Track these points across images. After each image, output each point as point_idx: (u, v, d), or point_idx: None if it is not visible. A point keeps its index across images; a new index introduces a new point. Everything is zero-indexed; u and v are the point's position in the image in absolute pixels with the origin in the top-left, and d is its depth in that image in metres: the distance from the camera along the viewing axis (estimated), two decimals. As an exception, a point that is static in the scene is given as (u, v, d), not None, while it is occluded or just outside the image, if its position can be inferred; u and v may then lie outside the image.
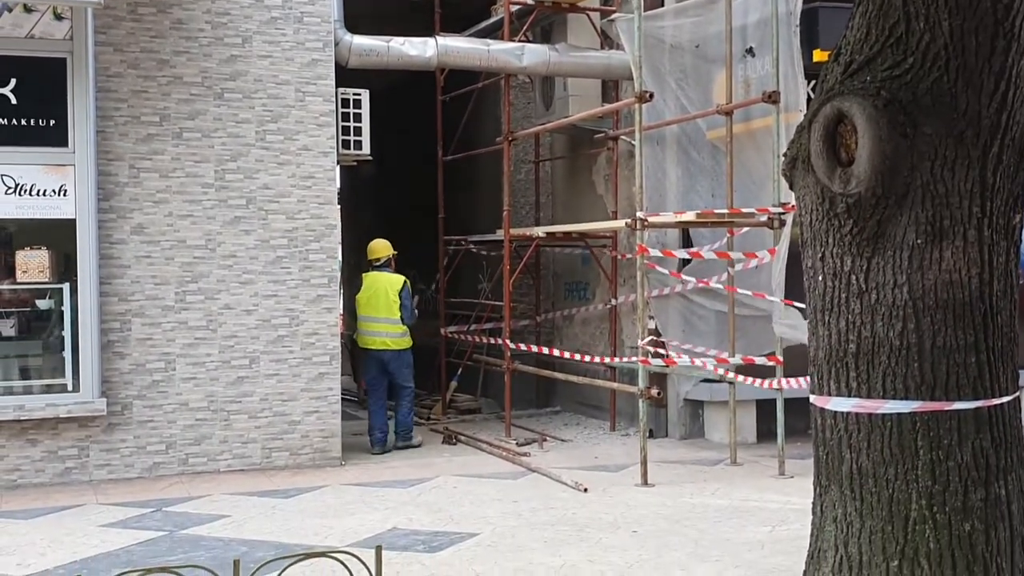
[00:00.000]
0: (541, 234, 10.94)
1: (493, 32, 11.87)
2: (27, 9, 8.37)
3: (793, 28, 8.48)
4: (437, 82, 12.60)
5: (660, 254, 8.90)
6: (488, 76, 12.07)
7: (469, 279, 13.84)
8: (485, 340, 12.35)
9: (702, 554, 6.39)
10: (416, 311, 10.67)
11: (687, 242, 10.32)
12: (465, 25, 12.39)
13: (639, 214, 8.52)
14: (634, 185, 11.27)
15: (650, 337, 9.10)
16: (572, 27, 11.38)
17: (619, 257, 11.25)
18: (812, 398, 4.14)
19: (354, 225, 17.25)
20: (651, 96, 8.59)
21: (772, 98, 8.45)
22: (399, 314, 10.36)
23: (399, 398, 10.45)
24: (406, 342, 10.47)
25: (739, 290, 9.19)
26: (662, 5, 10.59)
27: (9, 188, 8.37)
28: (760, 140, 9.27)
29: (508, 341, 10.90)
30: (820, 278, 4.01)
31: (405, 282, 10.50)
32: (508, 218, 10.98)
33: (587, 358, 10.74)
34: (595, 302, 12.13)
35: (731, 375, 9.11)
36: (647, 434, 8.65)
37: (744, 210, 8.54)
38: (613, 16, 11.06)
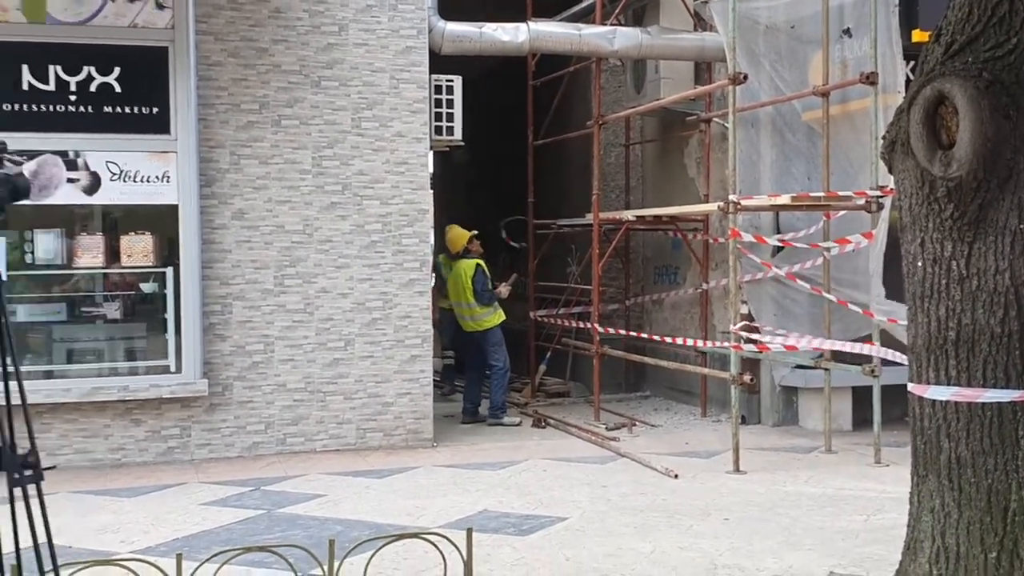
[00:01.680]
0: (631, 217, 10.91)
1: (584, 17, 11.83)
2: None
3: (892, 8, 8.32)
4: (528, 67, 12.61)
5: (752, 239, 8.79)
6: (579, 60, 12.04)
7: (558, 263, 13.85)
8: (574, 324, 12.38)
9: (795, 542, 6.34)
10: (495, 290, 10.94)
11: (778, 227, 10.19)
12: (557, 11, 12.37)
13: (732, 197, 8.44)
14: (727, 168, 11.22)
15: (743, 322, 9.04)
16: (665, 10, 11.31)
17: (711, 241, 11.16)
18: (910, 386, 4.09)
19: (445, 209, 17.37)
20: (745, 78, 8.49)
21: (870, 79, 8.29)
22: (474, 299, 10.76)
23: (490, 376, 10.84)
24: (490, 321, 10.86)
25: (834, 275, 9.07)
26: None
27: (114, 175, 8.63)
28: (858, 122, 9.11)
29: (597, 325, 10.89)
30: (919, 264, 3.95)
31: (477, 266, 10.86)
32: (597, 202, 10.97)
33: (678, 341, 10.69)
34: (685, 286, 12.06)
35: (826, 361, 8.99)
36: (739, 421, 8.59)
37: (841, 193, 8.39)
38: (706, -2, 10.98)
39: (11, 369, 3.54)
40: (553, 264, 13.63)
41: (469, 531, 4.84)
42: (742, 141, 10.48)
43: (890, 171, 4.13)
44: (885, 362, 8.63)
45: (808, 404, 10.33)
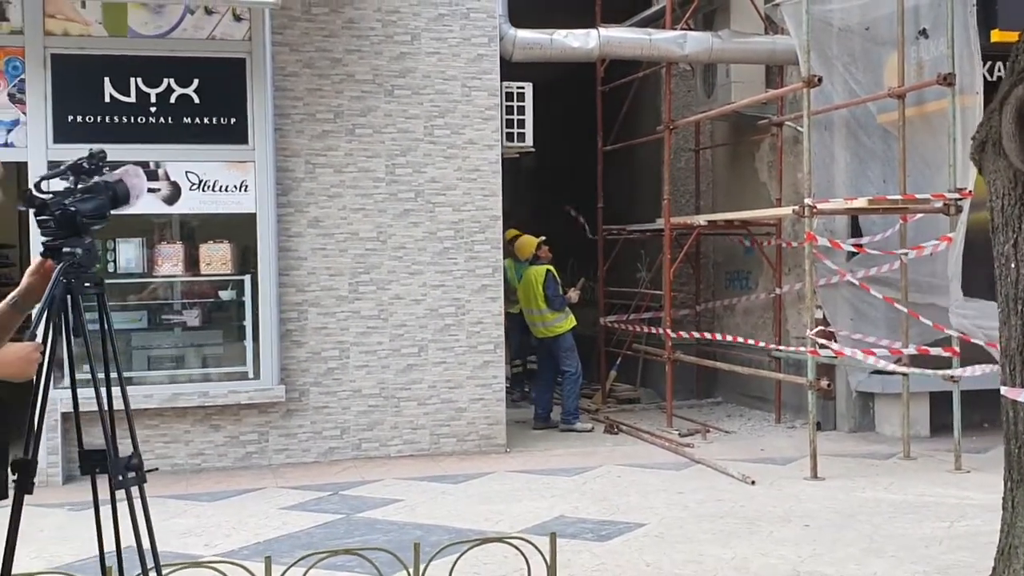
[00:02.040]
0: (702, 222, 10.86)
1: (653, 22, 11.81)
2: (208, 11, 8.75)
3: (969, 8, 8.20)
4: (597, 73, 12.61)
5: (828, 243, 8.70)
6: (648, 66, 12.02)
7: (628, 268, 13.82)
8: (644, 329, 12.34)
9: (877, 549, 6.26)
10: (567, 295, 10.91)
11: (857, 229, 10.08)
12: (625, 17, 12.36)
13: (807, 201, 8.37)
14: (799, 171, 11.12)
15: (819, 327, 8.96)
16: (735, 13, 11.25)
17: (784, 245, 11.07)
18: (1003, 390, 4.03)
19: (515, 214, 17.41)
20: (819, 80, 8.43)
21: (947, 80, 8.18)
22: (545, 304, 10.72)
23: (563, 382, 10.82)
24: (562, 327, 10.84)
25: (912, 278, 8.96)
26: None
27: (193, 184, 8.78)
28: (935, 124, 8.98)
29: (669, 330, 10.86)
30: (1012, 265, 3.89)
31: (548, 271, 10.86)
32: (668, 207, 10.95)
33: (751, 342, 10.61)
34: (758, 291, 11.97)
35: (904, 366, 8.87)
36: (816, 426, 8.50)
37: (919, 196, 8.27)
38: (778, 1, 10.90)
39: (114, 374, 3.63)
40: (622, 269, 13.60)
41: (553, 536, 4.86)
42: (816, 144, 10.37)
43: (980, 172, 4.07)
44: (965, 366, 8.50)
45: (885, 409, 10.19)
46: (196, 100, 8.80)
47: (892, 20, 9.20)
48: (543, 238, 11.24)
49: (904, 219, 8.96)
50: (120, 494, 3.60)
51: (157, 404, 8.62)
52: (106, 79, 8.61)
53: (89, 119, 8.58)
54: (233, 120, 8.88)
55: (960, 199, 8.18)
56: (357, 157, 9.24)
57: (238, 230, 9.02)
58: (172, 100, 8.75)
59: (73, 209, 3.42)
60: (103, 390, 3.62)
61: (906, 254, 8.86)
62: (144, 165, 8.68)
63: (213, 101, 8.84)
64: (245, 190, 8.88)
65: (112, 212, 3.60)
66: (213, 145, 8.83)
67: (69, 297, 3.42)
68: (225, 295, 9.16)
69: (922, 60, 9.00)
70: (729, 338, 10.70)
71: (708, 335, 11.38)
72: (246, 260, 9.09)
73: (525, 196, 18.12)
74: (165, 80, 8.72)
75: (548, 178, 16.74)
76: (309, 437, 9.15)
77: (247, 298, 9.02)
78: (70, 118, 8.55)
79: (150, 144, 8.69)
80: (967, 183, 8.26)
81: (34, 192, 3.45)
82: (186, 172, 8.76)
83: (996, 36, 8.65)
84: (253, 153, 8.89)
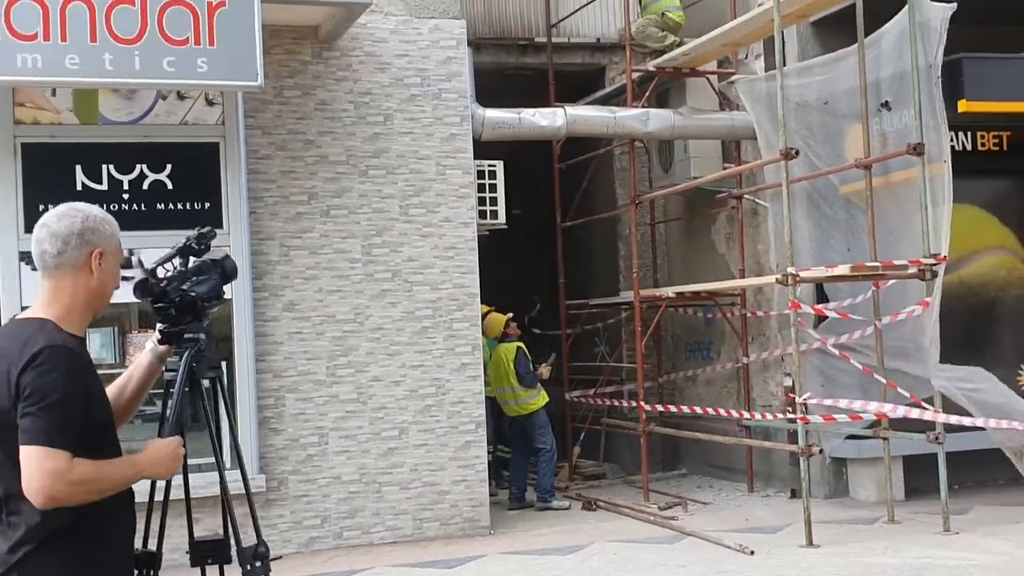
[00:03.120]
0: (671, 294, 10.95)
1: (609, 101, 12.02)
2: (180, 96, 8.65)
3: (934, 80, 8.48)
4: (554, 150, 12.74)
5: (811, 311, 8.84)
6: (604, 144, 12.19)
7: (587, 343, 13.84)
8: (606, 403, 12.36)
9: (897, 614, 6.27)
10: (539, 371, 10.86)
11: (823, 296, 10.25)
12: (578, 97, 12.55)
13: (790, 269, 8.52)
14: (759, 243, 11.33)
15: (800, 397, 9.04)
16: (691, 90, 11.48)
17: (748, 315, 11.21)
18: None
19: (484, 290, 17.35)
20: (797, 153, 8.63)
21: (917, 150, 8.43)
22: (517, 382, 10.68)
23: (536, 460, 10.73)
24: (535, 404, 10.81)
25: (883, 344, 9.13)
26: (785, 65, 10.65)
27: (169, 271, 8.56)
28: (899, 193, 9.23)
29: (643, 403, 10.88)
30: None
31: (518, 348, 10.83)
32: (637, 280, 11.04)
33: (723, 412, 10.66)
34: (720, 361, 12.07)
35: (883, 431, 8.99)
36: (809, 493, 8.55)
37: (897, 262, 8.46)
38: (733, 78, 11.19)
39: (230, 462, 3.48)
40: (583, 344, 13.61)
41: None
42: (778, 215, 10.59)
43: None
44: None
45: (859, 474, 10.29)
46: (169, 185, 8.65)
47: (851, 95, 9.49)
48: (511, 315, 11.23)
49: (877, 286, 9.14)
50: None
51: (136, 498, 8.29)
52: (78, 167, 8.43)
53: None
54: (207, 205, 8.75)
55: (935, 264, 8.38)
56: (332, 238, 9.15)
57: (213, 316, 8.80)
58: (145, 186, 8.59)
59: (193, 294, 3.31)
60: (226, 475, 3.52)
61: (880, 320, 9.03)
62: (118, 253, 8.48)
63: (187, 186, 8.70)
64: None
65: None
66: (188, 231, 8.59)
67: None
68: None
69: (885, 132, 9.28)
70: (699, 409, 10.72)
71: (676, 408, 11.40)
72: (220, 346, 8.87)
73: (495, 271, 18.11)
74: (138, 166, 8.57)
75: (515, 253, 16.75)
76: (289, 527, 8.90)
77: (224, 386, 8.78)
78: (41, 207, 8.25)
79: (124, 231, 8.41)
80: (941, 248, 8.48)
81: (152, 280, 3.33)
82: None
83: (963, 107, 8.97)
84: (228, 237, 8.73)
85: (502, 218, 9.95)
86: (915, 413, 8.39)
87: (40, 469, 2.78)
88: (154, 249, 8.38)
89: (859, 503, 10.09)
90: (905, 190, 9.11)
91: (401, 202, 9.33)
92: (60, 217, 3.08)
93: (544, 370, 11.10)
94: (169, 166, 8.65)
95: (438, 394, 9.33)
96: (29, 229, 8.15)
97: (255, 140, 8.97)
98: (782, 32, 8.66)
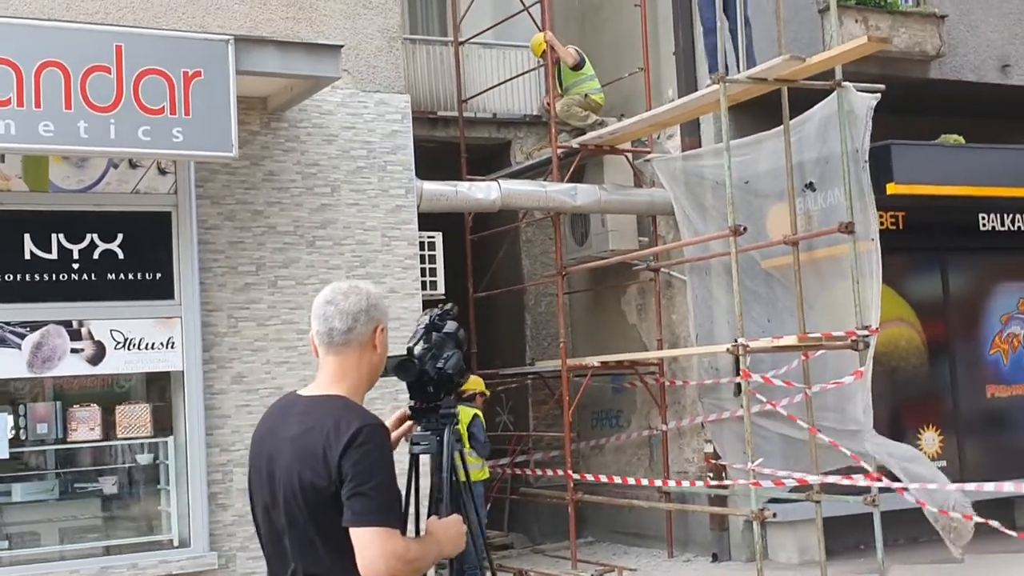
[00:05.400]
0: (596, 363, 11.25)
1: (522, 174, 12.34)
2: (132, 164, 8.48)
3: (862, 164, 9.11)
4: (466, 223, 12.93)
5: (761, 380, 9.26)
6: (512, 219, 12.51)
7: (488, 412, 13.96)
8: (511, 472, 12.52)
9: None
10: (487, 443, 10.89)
11: (739, 368, 10.72)
12: (482, 168, 12.84)
13: (740, 340, 8.92)
14: (673, 314, 11.79)
15: (709, 462, 9.43)
16: (607, 166, 11.90)
17: (667, 384, 11.59)
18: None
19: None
20: (745, 230, 9.09)
21: (848, 229, 9.01)
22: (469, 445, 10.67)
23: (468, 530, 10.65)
24: (480, 474, 10.70)
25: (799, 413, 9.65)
26: (700, 145, 11.24)
27: (118, 343, 8.34)
28: (823, 268, 9.81)
29: (571, 471, 11.07)
30: None
31: (476, 415, 10.71)
32: (564, 349, 11.30)
33: (645, 482, 10.95)
34: (630, 429, 12.40)
35: (815, 494, 9.44)
36: (763, 555, 8.88)
37: (835, 333, 8.99)
38: (648, 157, 11.70)
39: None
40: (487, 414, 13.72)
41: None
42: (697, 287, 11.12)
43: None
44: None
45: (779, 537, 10.72)
46: (120, 255, 8.43)
47: (773, 175, 10.07)
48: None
49: (806, 355, 9.65)
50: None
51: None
52: (26, 235, 8.13)
53: (8, 277, 8.04)
54: (159, 275, 8.55)
55: (868, 336, 8.94)
56: (280, 309, 9.06)
57: (159, 389, 8.62)
58: (96, 256, 8.34)
59: (450, 371, 3.33)
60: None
61: (809, 388, 9.53)
62: (67, 324, 8.22)
63: (138, 256, 8.49)
64: (172, 347, 8.51)
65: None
66: (139, 301, 8.45)
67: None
68: (143, 459, 8.65)
69: (810, 211, 9.87)
70: (630, 479, 10.97)
71: (594, 476, 11.63)
72: (166, 421, 8.64)
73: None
74: (88, 235, 8.32)
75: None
76: (237, 606, 8.66)
77: (171, 461, 8.56)
78: (-12, 275, 7.99)
79: (72, 302, 8.22)
80: (871, 320, 9.05)
81: (413, 360, 3.34)
82: (111, 330, 8.31)
83: (892, 189, 9.65)
84: (180, 308, 8.56)
85: (441, 288, 10.05)
86: (851, 479, 8.86)
87: (384, 550, 2.78)
88: (104, 320, 8.28)
89: (780, 565, 10.50)
90: (828, 266, 9.70)
91: (348, 272, 9.33)
92: (346, 295, 3.12)
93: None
94: (120, 235, 8.44)
95: (385, 466, 9.27)
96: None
97: (204, 210, 8.84)
98: (727, 114, 9.13)
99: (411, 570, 2.89)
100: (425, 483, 3.57)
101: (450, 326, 3.45)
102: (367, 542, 2.81)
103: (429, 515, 3.32)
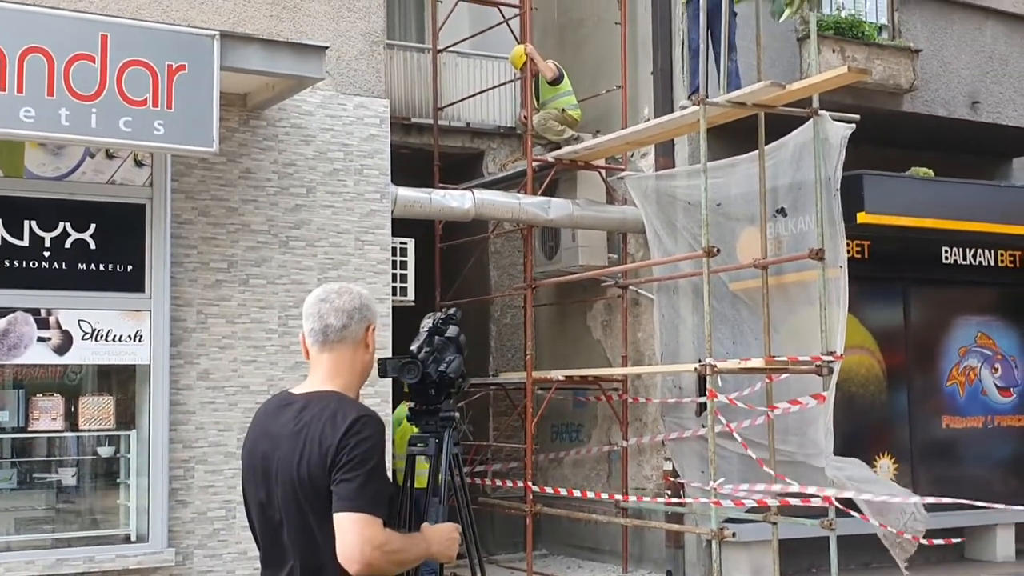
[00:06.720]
0: (560, 377, 11.30)
1: (495, 185, 12.38)
2: (109, 155, 8.41)
3: (833, 192, 9.25)
4: (436, 231, 12.95)
5: (727, 401, 9.34)
6: (483, 230, 12.54)
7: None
8: (469, 482, 12.52)
9: None
10: None
11: (703, 388, 10.83)
12: (455, 177, 12.87)
13: (709, 360, 9.00)
14: (639, 331, 11.87)
15: (669, 479, 9.50)
16: (580, 182, 11.98)
17: (630, 400, 11.67)
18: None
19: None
20: (718, 251, 9.17)
21: (818, 255, 9.14)
22: None
23: None
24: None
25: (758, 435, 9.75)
26: (674, 166, 11.35)
27: (86, 334, 8.26)
28: (791, 293, 9.94)
29: (530, 483, 11.10)
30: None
31: None
32: (530, 362, 11.33)
33: (605, 496, 11.02)
34: (589, 444, 12.46)
35: (772, 515, 9.54)
36: (720, 574, 8.94)
37: (802, 358, 9.10)
38: (622, 174, 11.79)
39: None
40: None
41: None
42: (664, 307, 11.21)
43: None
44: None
45: (734, 557, 10.80)
46: (92, 245, 8.35)
47: (745, 199, 10.19)
48: None
49: (770, 378, 9.76)
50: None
51: (40, 571, 7.85)
52: (-1, 220, 8.06)
53: (-22, 262, 7.96)
54: (130, 267, 8.48)
55: (832, 361, 9.06)
56: (250, 308, 9.02)
57: (124, 382, 8.54)
58: (67, 245, 8.26)
59: (453, 374, 3.34)
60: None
61: (772, 410, 9.64)
62: (35, 312, 8.13)
63: (110, 247, 8.42)
64: (139, 340, 8.44)
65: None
66: (108, 293, 8.37)
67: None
68: (105, 452, 8.56)
69: (780, 236, 10.00)
70: (590, 493, 11.03)
71: (553, 489, 11.68)
72: (129, 414, 8.57)
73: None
74: (61, 224, 8.24)
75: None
76: (192, 604, 8.59)
77: (132, 455, 8.48)
78: (-42, 260, 7.89)
79: (42, 291, 8.13)
80: (836, 347, 9.18)
81: (417, 362, 3.35)
82: (79, 320, 8.24)
83: (862, 218, 9.80)
84: (149, 302, 8.49)
85: (411, 295, 10.06)
86: (813, 499, 8.97)
87: (361, 536, 2.79)
88: (72, 310, 8.20)
89: (734, 584, 10.60)
90: (797, 291, 9.83)
91: (320, 275, 9.31)
92: (340, 294, 3.14)
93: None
94: (94, 226, 8.36)
95: (348, 470, 9.25)
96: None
97: (178, 204, 8.78)
98: (706, 135, 9.23)
99: (388, 562, 2.90)
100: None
101: (452, 330, 3.47)
102: (346, 527, 2.84)
103: (424, 514, 3.34)
